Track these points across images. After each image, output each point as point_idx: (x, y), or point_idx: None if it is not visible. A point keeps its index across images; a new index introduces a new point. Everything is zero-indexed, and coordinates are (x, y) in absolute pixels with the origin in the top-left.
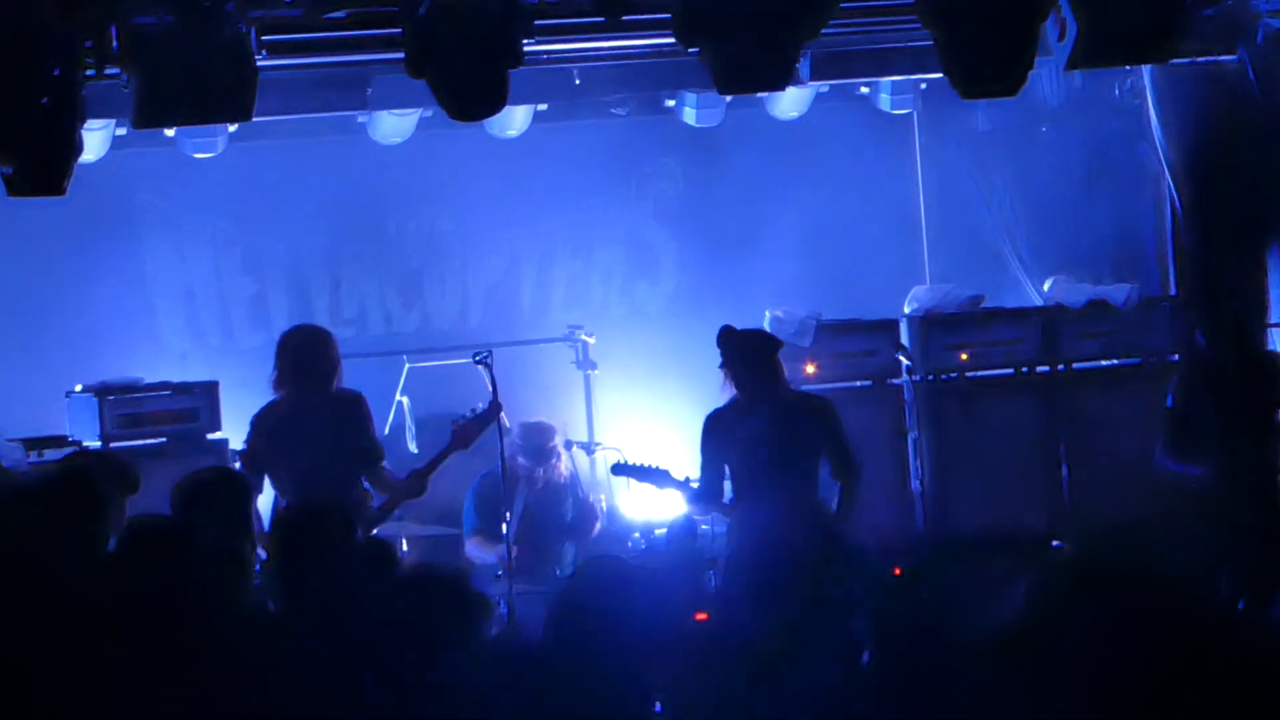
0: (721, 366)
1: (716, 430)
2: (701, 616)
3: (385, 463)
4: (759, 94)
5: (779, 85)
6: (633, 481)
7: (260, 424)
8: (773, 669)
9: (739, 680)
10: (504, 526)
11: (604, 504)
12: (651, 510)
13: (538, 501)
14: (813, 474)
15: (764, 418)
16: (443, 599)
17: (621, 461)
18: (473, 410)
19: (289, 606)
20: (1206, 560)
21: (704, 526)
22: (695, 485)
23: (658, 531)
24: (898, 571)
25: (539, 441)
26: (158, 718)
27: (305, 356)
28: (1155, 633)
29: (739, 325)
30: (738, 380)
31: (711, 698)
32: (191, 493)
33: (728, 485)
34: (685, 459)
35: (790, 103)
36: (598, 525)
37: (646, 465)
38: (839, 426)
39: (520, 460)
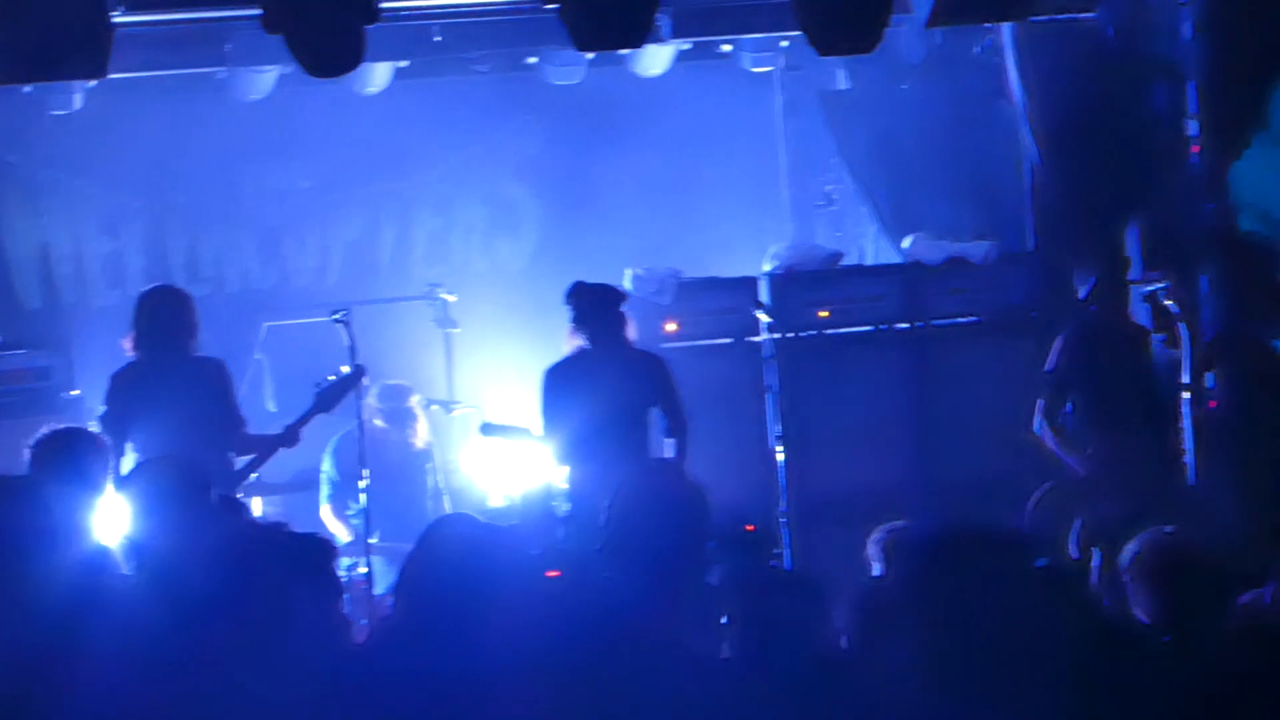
0: (573, 321)
1: (558, 383)
2: (554, 574)
3: (246, 422)
4: (619, 51)
5: (637, 42)
6: (499, 440)
7: (119, 383)
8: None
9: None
10: (360, 484)
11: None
12: (504, 474)
13: (397, 466)
14: (647, 428)
15: (606, 371)
16: (287, 554)
17: (489, 421)
18: (336, 374)
19: (141, 564)
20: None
21: (556, 486)
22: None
23: (506, 498)
24: (750, 528)
25: (396, 403)
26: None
27: (162, 317)
28: (1001, 593)
29: (603, 283)
30: (591, 335)
31: (569, 654)
32: (45, 451)
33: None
34: None
35: (652, 61)
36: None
37: (513, 425)
38: (672, 383)
39: (377, 423)
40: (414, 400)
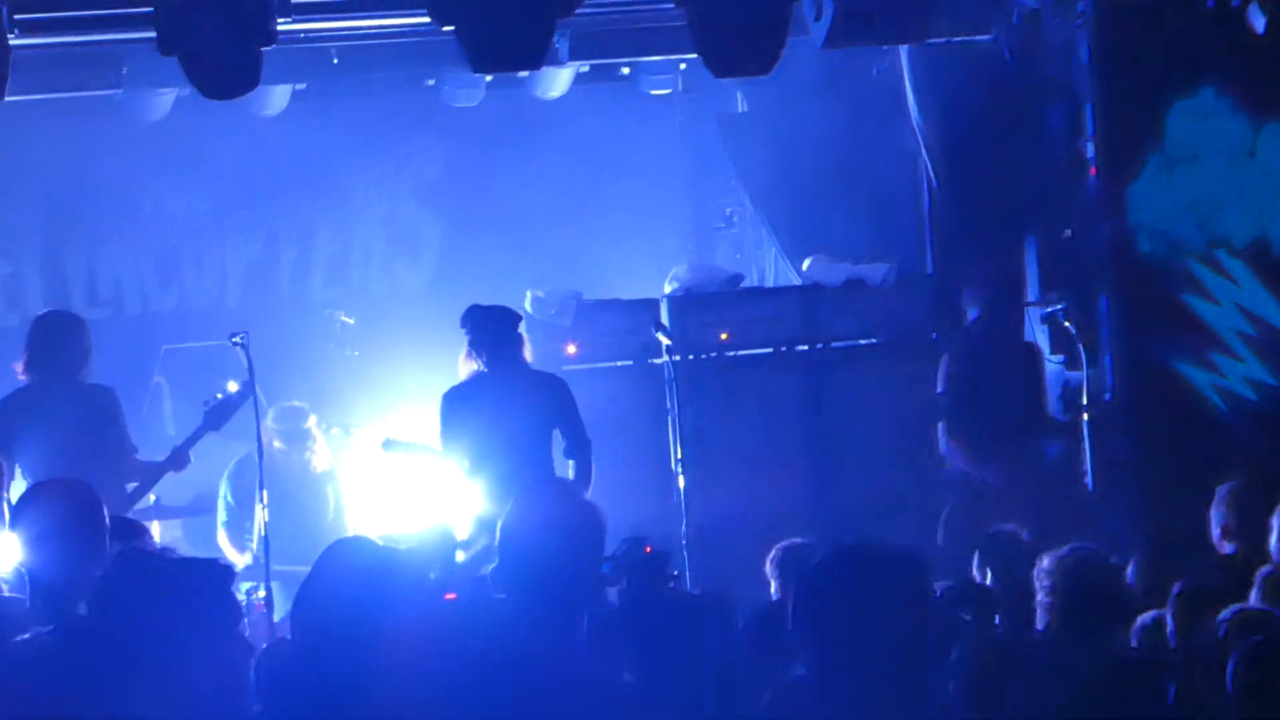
0: (470, 344)
1: (457, 405)
2: (451, 596)
3: (137, 449)
4: (519, 73)
5: (535, 64)
6: (401, 456)
7: (9, 407)
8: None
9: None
10: (259, 508)
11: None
12: (402, 495)
13: (296, 489)
14: (549, 448)
15: (505, 393)
16: (183, 579)
17: (392, 438)
18: (223, 391)
19: (35, 589)
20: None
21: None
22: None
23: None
24: (649, 550)
25: (293, 424)
26: None
27: (55, 342)
28: (895, 610)
29: (499, 305)
30: (488, 358)
31: (466, 678)
32: None
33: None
34: None
35: (551, 83)
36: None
37: (416, 441)
38: (572, 403)
39: (276, 445)
40: (311, 421)
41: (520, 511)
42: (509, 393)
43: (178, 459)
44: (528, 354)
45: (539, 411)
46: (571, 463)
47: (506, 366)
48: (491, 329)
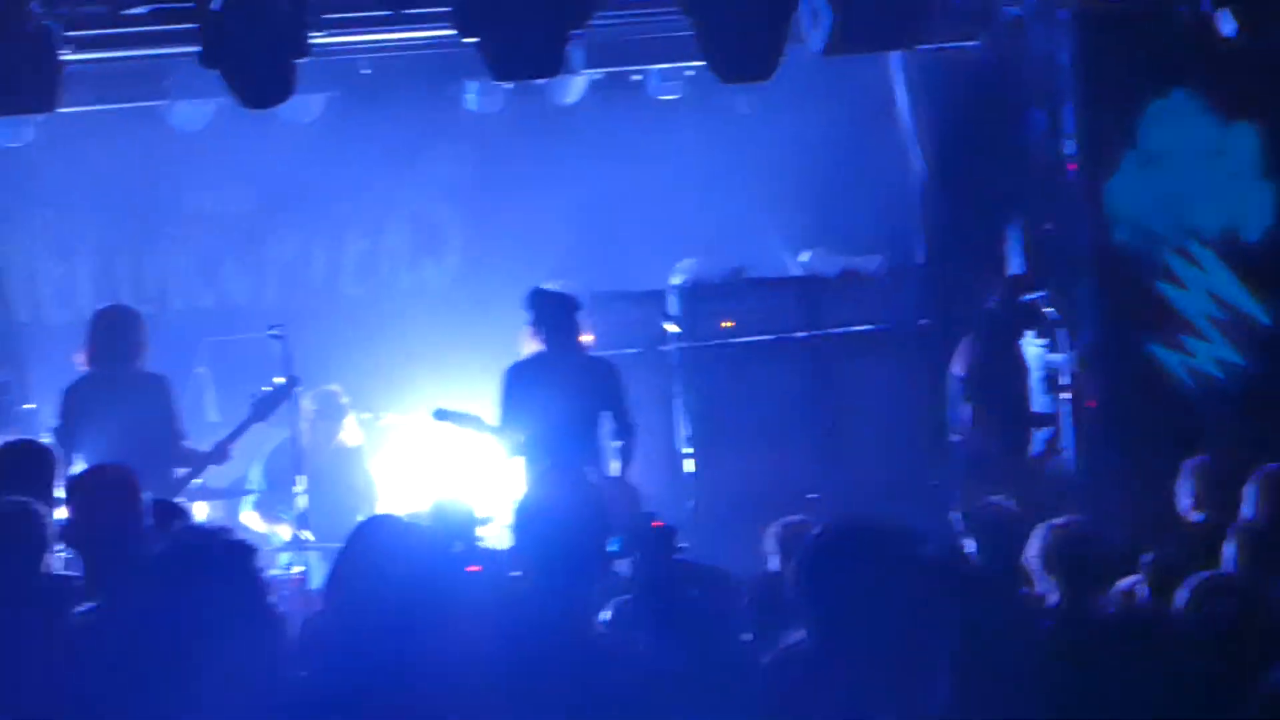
0: (530, 324)
1: (518, 380)
2: (474, 569)
3: (188, 436)
4: (537, 81)
5: (551, 72)
6: (450, 426)
7: (71, 397)
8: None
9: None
10: (295, 492)
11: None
12: (423, 476)
13: (329, 466)
14: (596, 429)
15: (562, 373)
16: (213, 554)
17: (444, 407)
18: (271, 385)
19: (81, 568)
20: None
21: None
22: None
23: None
24: (658, 524)
25: (330, 401)
26: None
27: (114, 333)
28: (888, 582)
29: (560, 290)
30: (546, 337)
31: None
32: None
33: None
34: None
35: (567, 90)
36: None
37: (466, 412)
38: (622, 388)
39: (317, 424)
40: (344, 400)
41: (530, 497)
42: (564, 374)
43: (220, 453)
44: (586, 338)
45: (589, 394)
46: (617, 444)
47: (562, 349)
48: (550, 312)
